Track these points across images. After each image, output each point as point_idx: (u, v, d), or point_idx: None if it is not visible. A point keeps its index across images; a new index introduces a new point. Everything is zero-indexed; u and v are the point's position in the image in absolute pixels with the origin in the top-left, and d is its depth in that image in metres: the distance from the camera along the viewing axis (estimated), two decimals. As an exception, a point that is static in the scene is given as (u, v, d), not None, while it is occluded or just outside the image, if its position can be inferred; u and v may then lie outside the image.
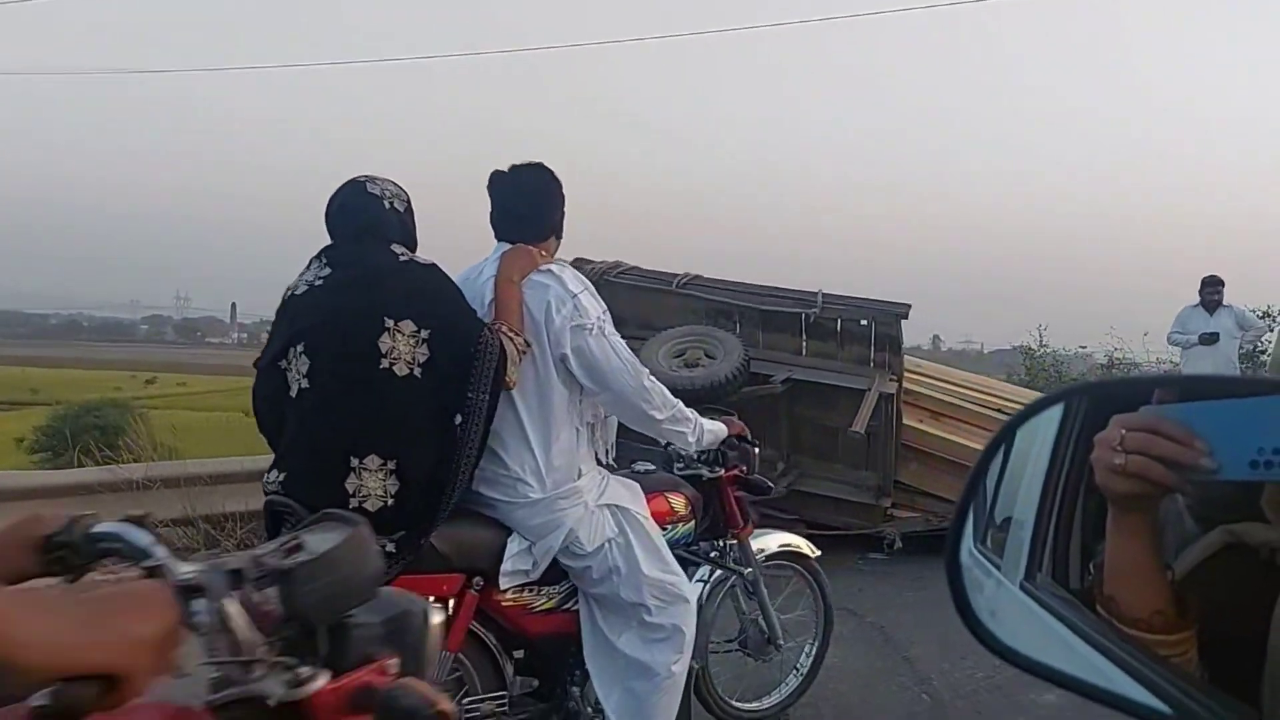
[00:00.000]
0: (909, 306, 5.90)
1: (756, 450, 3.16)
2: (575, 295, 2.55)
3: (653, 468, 3.05)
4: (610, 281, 6.47)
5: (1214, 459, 0.66)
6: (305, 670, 1.03)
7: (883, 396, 5.82)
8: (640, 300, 6.54)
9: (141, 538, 1.07)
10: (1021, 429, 0.90)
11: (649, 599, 2.63)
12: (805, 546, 3.48)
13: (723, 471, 3.07)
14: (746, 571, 3.21)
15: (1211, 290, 9.83)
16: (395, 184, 2.60)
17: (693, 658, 2.78)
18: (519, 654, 2.68)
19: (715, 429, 2.88)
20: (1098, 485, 0.74)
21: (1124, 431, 0.71)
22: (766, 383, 6.04)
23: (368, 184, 2.54)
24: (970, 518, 0.92)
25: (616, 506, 2.67)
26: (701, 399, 5.81)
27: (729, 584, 3.25)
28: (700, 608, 2.94)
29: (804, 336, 6.19)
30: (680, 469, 3.07)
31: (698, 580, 3.06)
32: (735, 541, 3.18)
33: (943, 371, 7.00)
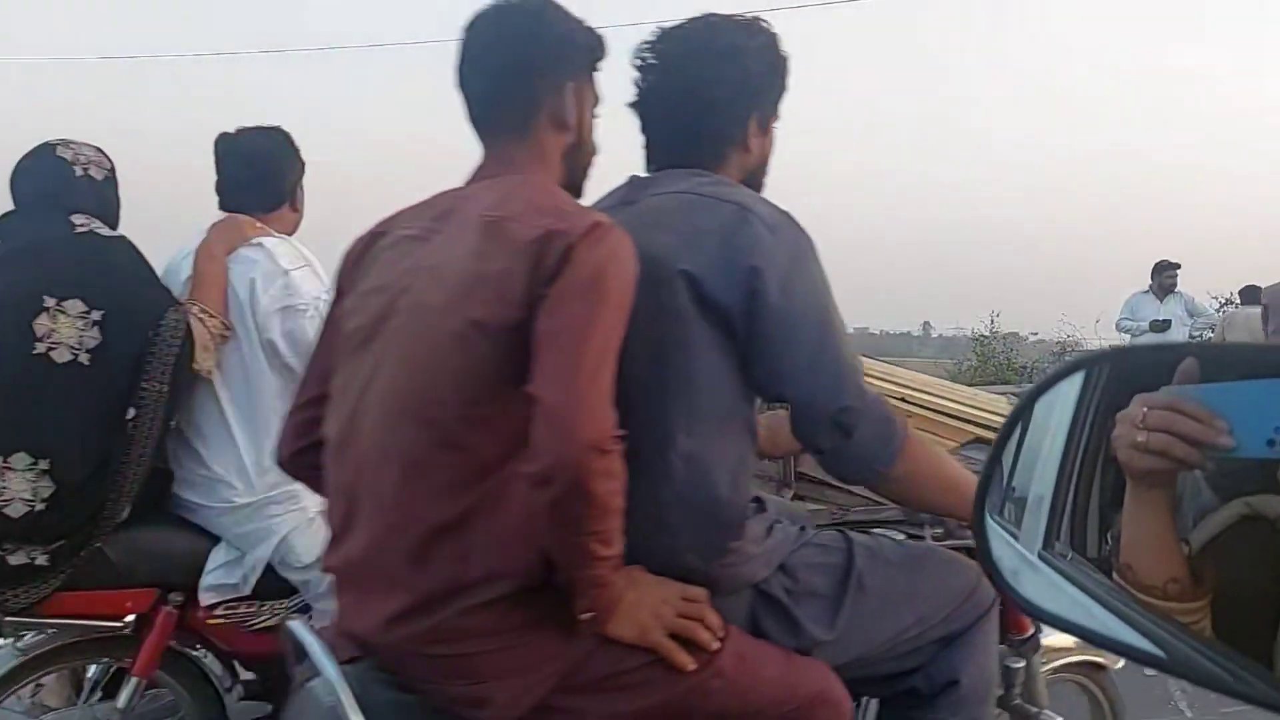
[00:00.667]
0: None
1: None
2: (287, 272, 2.26)
3: None
4: None
5: (1233, 437, 0.69)
6: None
7: None
8: None
9: None
10: (1040, 400, 0.93)
11: None
12: None
13: None
14: None
15: (1166, 275, 9.51)
16: (97, 149, 2.32)
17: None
18: (249, 676, 2.39)
19: None
20: (1119, 461, 0.76)
21: (1146, 409, 0.73)
22: None
23: (59, 147, 2.26)
24: (991, 485, 0.95)
25: None
26: None
27: None
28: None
29: None
30: None
31: None
32: None
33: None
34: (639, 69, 1.61)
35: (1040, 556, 0.93)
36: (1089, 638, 0.82)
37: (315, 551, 2.16)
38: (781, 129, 1.69)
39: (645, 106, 1.63)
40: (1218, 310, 12.26)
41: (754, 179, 1.65)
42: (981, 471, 0.95)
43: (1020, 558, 0.94)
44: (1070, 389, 0.91)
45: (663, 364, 1.43)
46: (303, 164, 2.50)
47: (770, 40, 1.64)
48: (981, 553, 0.91)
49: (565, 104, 1.49)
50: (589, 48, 1.53)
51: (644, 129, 1.64)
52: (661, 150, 1.64)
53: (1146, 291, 9.63)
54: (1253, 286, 9.13)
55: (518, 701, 1.32)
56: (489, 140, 1.51)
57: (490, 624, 1.29)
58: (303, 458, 1.56)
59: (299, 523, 2.26)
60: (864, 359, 7.13)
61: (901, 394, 6.82)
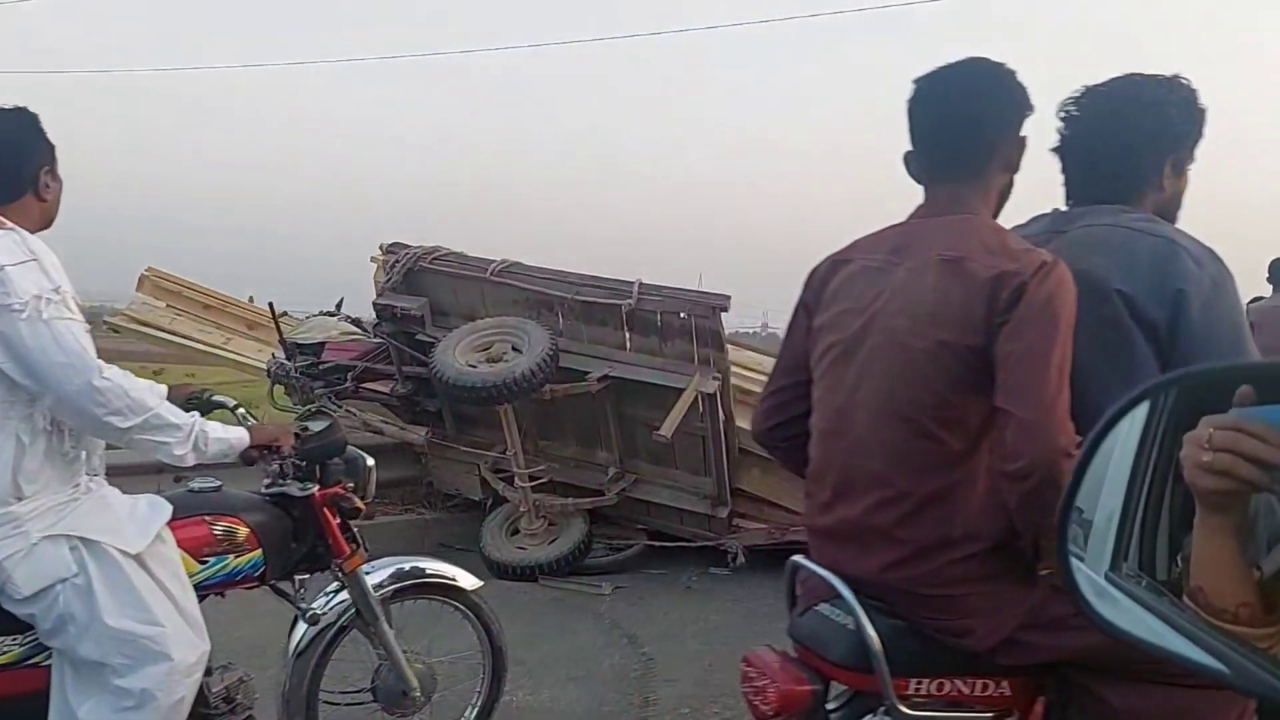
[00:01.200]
0: (728, 298, 5.38)
1: (370, 464, 2.80)
2: (3, 268, 2.03)
3: (215, 484, 2.56)
4: (426, 269, 5.98)
5: None
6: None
7: (703, 396, 5.31)
8: (461, 290, 6.05)
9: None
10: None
11: (114, 657, 2.12)
12: (460, 576, 3.03)
13: (315, 489, 2.62)
14: (351, 610, 2.76)
15: None
16: None
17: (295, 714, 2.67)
18: None
19: (228, 438, 2.32)
20: (1186, 481, 0.79)
21: (1212, 430, 0.76)
22: (583, 380, 5.51)
23: None
24: (1073, 506, 0.99)
25: (78, 538, 2.13)
26: (495, 397, 5.24)
27: (337, 625, 2.77)
28: (300, 654, 2.72)
29: (626, 330, 5.58)
30: (267, 485, 2.63)
31: (305, 621, 2.72)
32: (345, 574, 2.72)
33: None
34: (1064, 119, 1.90)
35: (1107, 578, 0.97)
36: (1161, 656, 0.85)
37: (38, 582, 2.06)
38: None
39: (1068, 151, 1.93)
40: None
41: (1167, 212, 1.90)
42: (1064, 495, 1.00)
43: (1087, 579, 0.98)
44: (1137, 413, 0.96)
45: (1109, 362, 1.70)
46: (50, 147, 2.29)
47: (1190, 94, 1.87)
48: (1063, 575, 0.98)
49: (1017, 150, 1.80)
50: (1029, 101, 1.78)
51: (1065, 170, 1.95)
52: (1081, 188, 1.93)
53: None
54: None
55: (992, 635, 1.67)
56: (939, 180, 1.81)
57: (970, 573, 1.66)
58: (774, 433, 2.00)
59: (17, 549, 2.06)
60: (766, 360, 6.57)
61: None
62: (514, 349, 5.40)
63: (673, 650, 4.40)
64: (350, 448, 2.76)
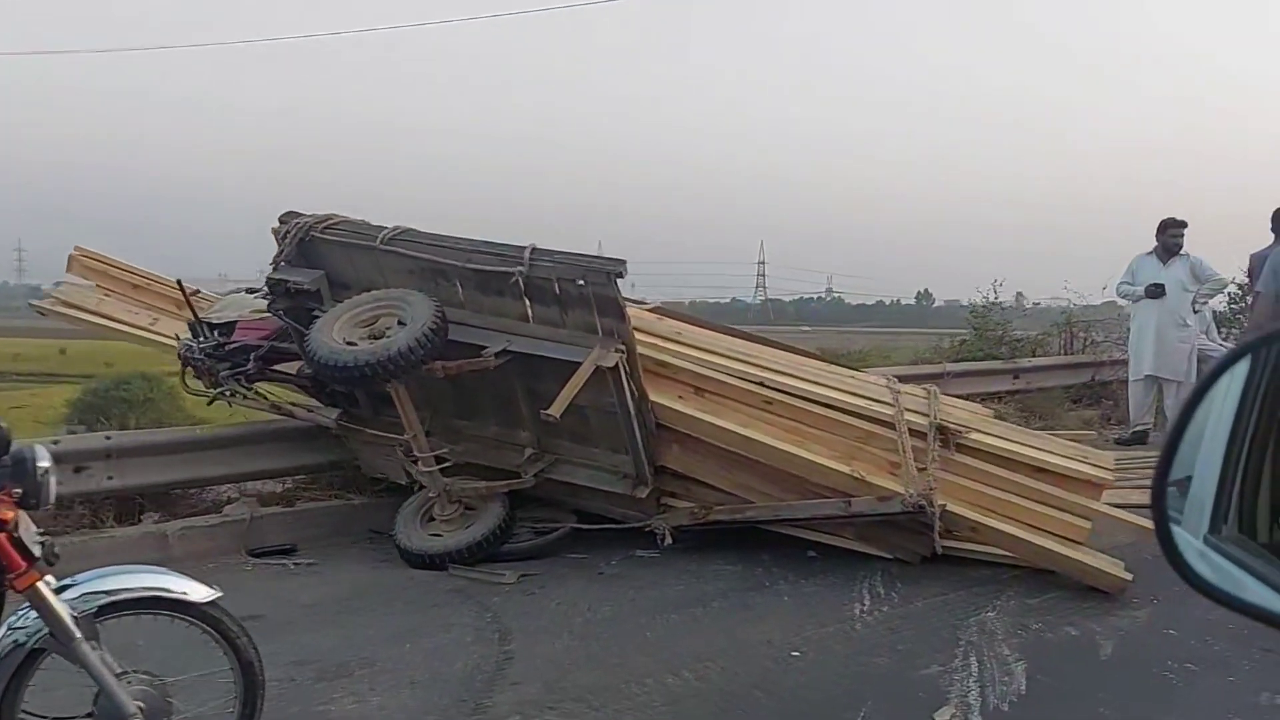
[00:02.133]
0: (623, 263, 4.88)
1: (46, 464, 2.44)
2: None
3: None
4: (320, 239, 5.56)
5: None
6: None
7: (603, 370, 4.85)
8: (358, 261, 5.60)
9: None
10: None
11: None
12: (191, 590, 2.71)
13: None
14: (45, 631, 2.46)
15: (1170, 234, 8.73)
16: None
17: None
18: None
19: None
20: None
21: None
22: (479, 355, 5.06)
23: None
24: (1171, 467, 0.98)
25: None
26: (370, 377, 4.87)
27: (27, 648, 2.49)
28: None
29: (527, 300, 5.10)
30: None
31: None
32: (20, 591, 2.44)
33: (708, 338, 5.73)
34: None
35: (1206, 540, 0.96)
36: (1268, 620, 0.87)
37: None
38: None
39: None
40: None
41: None
42: (1160, 457, 0.98)
43: (1186, 543, 0.97)
44: (1237, 369, 0.94)
45: None
46: None
47: None
48: (1161, 538, 0.97)
49: None
50: None
51: None
52: None
53: (1150, 253, 8.83)
54: None
55: None
56: None
57: None
58: None
59: None
60: (724, 336, 6.21)
61: (760, 377, 6.34)
62: (400, 323, 4.98)
63: (539, 648, 4.02)
64: (23, 446, 2.42)
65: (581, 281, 4.88)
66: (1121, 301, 9.78)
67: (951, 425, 4.97)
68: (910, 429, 4.93)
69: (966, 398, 9.71)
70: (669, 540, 5.29)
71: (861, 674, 3.72)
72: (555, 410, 4.67)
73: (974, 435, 4.96)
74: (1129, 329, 9.33)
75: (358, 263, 5.54)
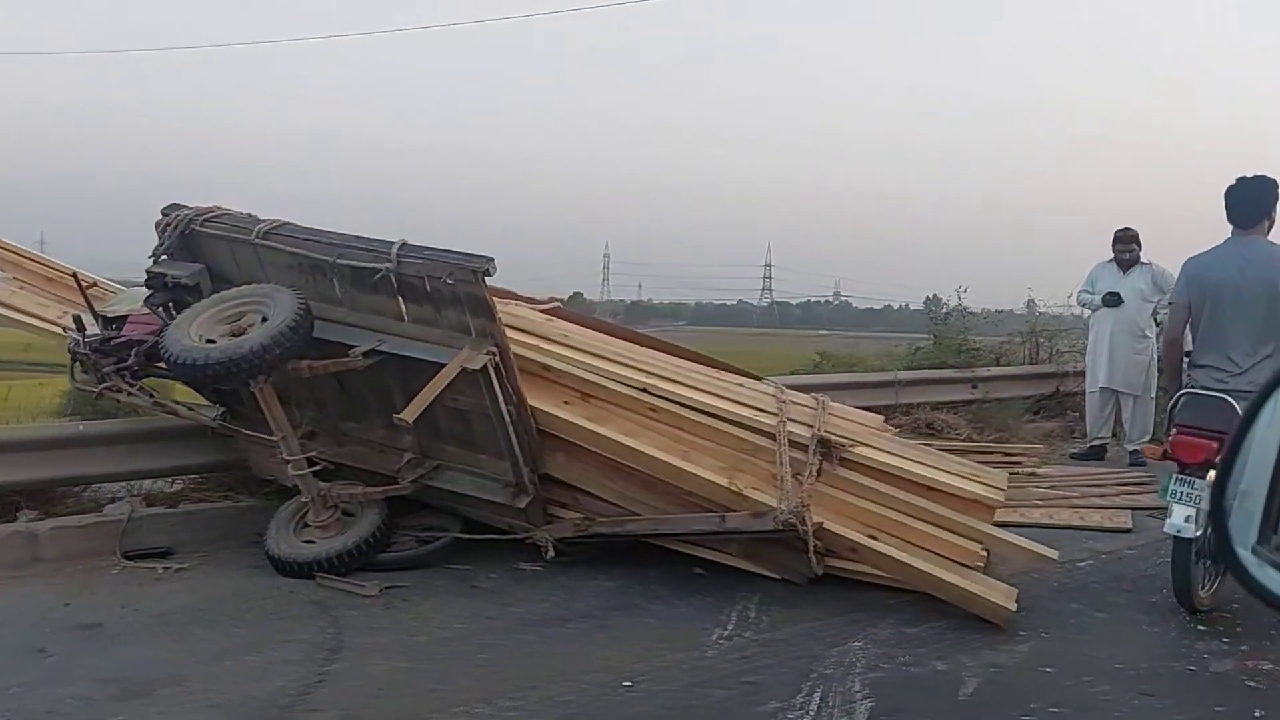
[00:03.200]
0: (490, 260, 4.63)
1: None
2: None
3: None
4: (200, 232, 5.38)
5: None
6: None
7: (471, 372, 4.63)
8: (240, 255, 5.39)
9: None
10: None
11: None
12: None
13: None
14: None
15: (1123, 247, 8.46)
16: None
17: None
18: None
19: None
20: None
21: None
22: (347, 354, 4.86)
23: None
24: (1230, 478, 1.05)
25: None
26: (223, 376, 4.66)
27: None
28: None
29: (401, 299, 4.87)
30: None
31: None
32: None
33: (597, 341, 5.47)
34: None
35: (1254, 551, 1.00)
36: None
37: None
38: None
39: None
40: None
41: None
42: (1219, 468, 1.06)
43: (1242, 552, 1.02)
44: None
45: None
46: None
47: None
48: (1220, 545, 1.05)
49: None
50: None
51: None
52: None
53: (1109, 262, 8.58)
54: None
55: None
56: None
57: None
58: None
59: None
60: (618, 340, 6.00)
61: (644, 383, 6.08)
62: (265, 320, 4.77)
63: (362, 669, 3.78)
64: None
65: (450, 280, 4.64)
66: (1080, 310, 9.52)
67: (836, 438, 4.71)
68: (792, 441, 4.68)
69: (918, 406, 9.54)
70: (551, 553, 5.06)
71: (688, 708, 3.46)
72: (408, 415, 4.46)
73: (860, 450, 4.69)
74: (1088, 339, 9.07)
75: (240, 257, 5.32)
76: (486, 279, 4.60)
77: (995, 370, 10.27)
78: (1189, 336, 4.83)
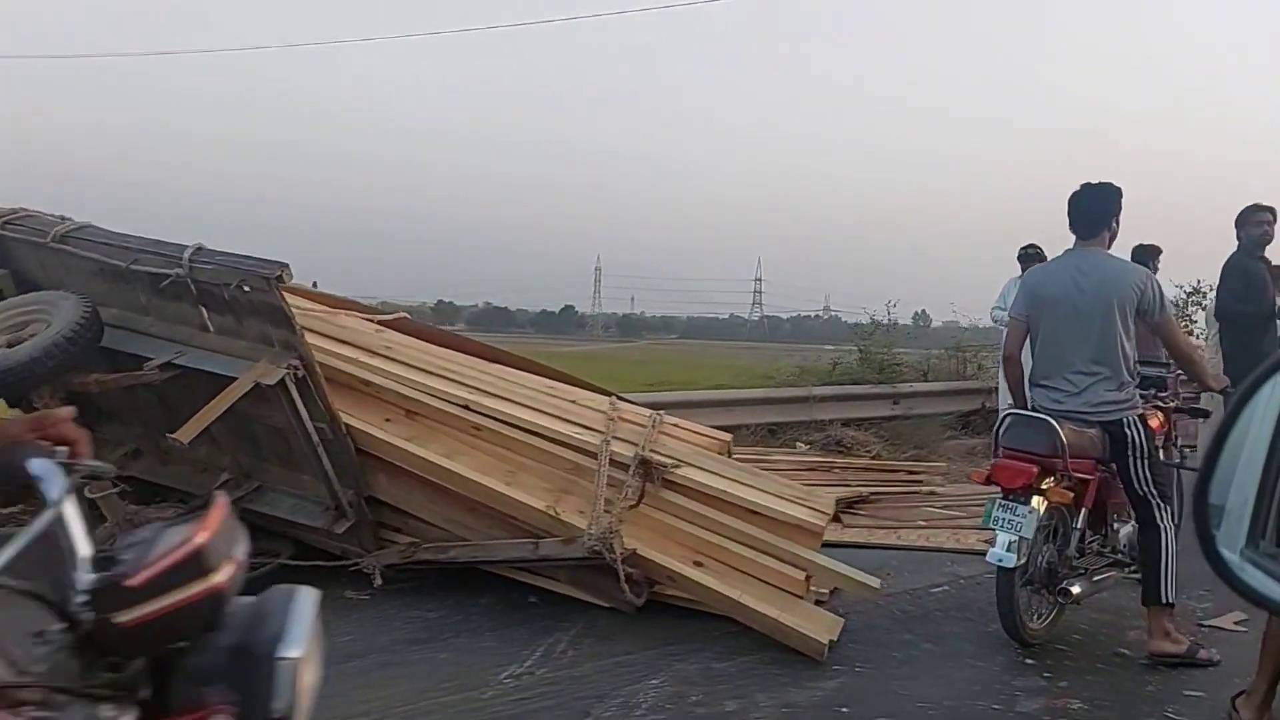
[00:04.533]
0: (285, 266, 4.33)
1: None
2: None
3: None
4: (2, 235, 5.13)
5: None
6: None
7: (270, 387, 4.35)
8: (45, 260, 5.11)
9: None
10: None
11: None
12: None
13: None
14: None
15: (1028, 262, 8.28)
16: None
17: None
18: None
19: None
20: None
21: None
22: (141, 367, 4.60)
23: None
24: (1211, 481, 1.01)
25: None
26: None
27: None
28: None
29: (203, 308, 4.63)
30: None
31: None
32: None
33: (423, 354, 5.19)
34: None
35: (1243, 554, 0.97)
36: None
37: None
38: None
39: None
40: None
41: None
42: (1200, 470, 1.03)
43: (1228, 554, 0.99)
44: (1274, 387, 0.98)
45: None
46: None
47: None
48: (1204, 548, 1.00)
49: None
50: None
51: None
52: None
53: (1019, 278, 8.39)
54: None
55: None
56: None
57: None
58: None
59: None
60: (443, 352, 5.50)
61: (467, 400, 5.80)
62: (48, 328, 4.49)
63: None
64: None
65: (247, 288, 4.37)
66: (999, 326, 9.30)
67: (659, 459, 4.43)
68: (615, 461, 4.41)
69: (830, 423, 9.29)
70: (378, 580, 4.78)
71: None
72: (183, 435, 4.15)
73: (685, 471, 4.42)
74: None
75: (46, 263, 5.05)
76: (282, 285, 4.32)
77: (918, 386, 10.04)
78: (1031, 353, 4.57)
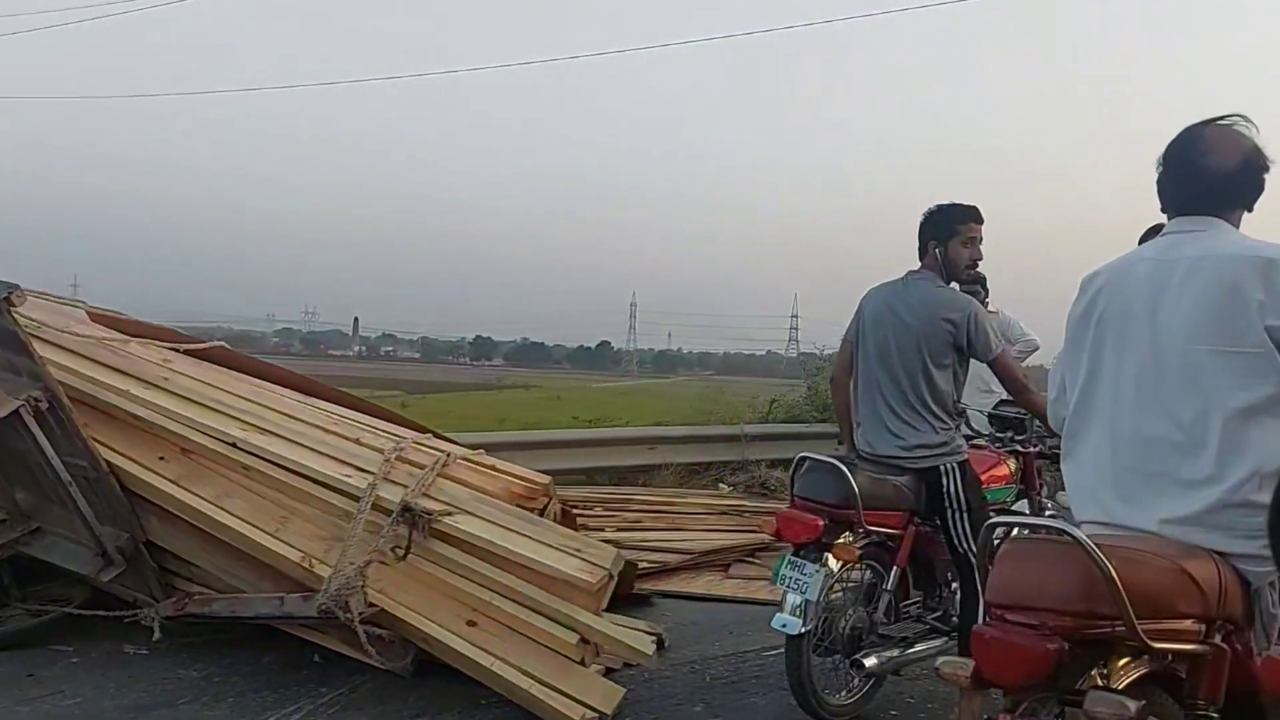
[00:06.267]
0: (16, 287, 3.98)
1: None
2: None
3: None
4: None
5: None
6: None
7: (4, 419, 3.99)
8: None
9: None
10: None
11: None
12: None
13: None
14: None
15: (968, 292, 7.67)
16: None
17: None
18: None
19: None
20: None
21: None
22: None
23: None
24: None
25: None
26: None
27: None
28: None
29: None
30: None
31: None
32: None
33: (212, 387, 4.75)
34: None
35: None
36: None
37: None
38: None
39: None
40: None
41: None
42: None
43: None
44: None
45: None
46: None
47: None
48: None
49: None
50: None
51: None
52: None
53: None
54: None
55: None
56: None
57: None
58: None
59: None
60: (188, 379, 4.61)
61: (235, 437, 5.20)
62: None
63: None
64: None
65: None
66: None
67: (428, 505, 3.97)
68: (380, 506, 3.97)
69: (755, 463, 8.76)
70: (157, 634, 4.36)
71: None
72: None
73: (457, 520, 3.95)
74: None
75: None
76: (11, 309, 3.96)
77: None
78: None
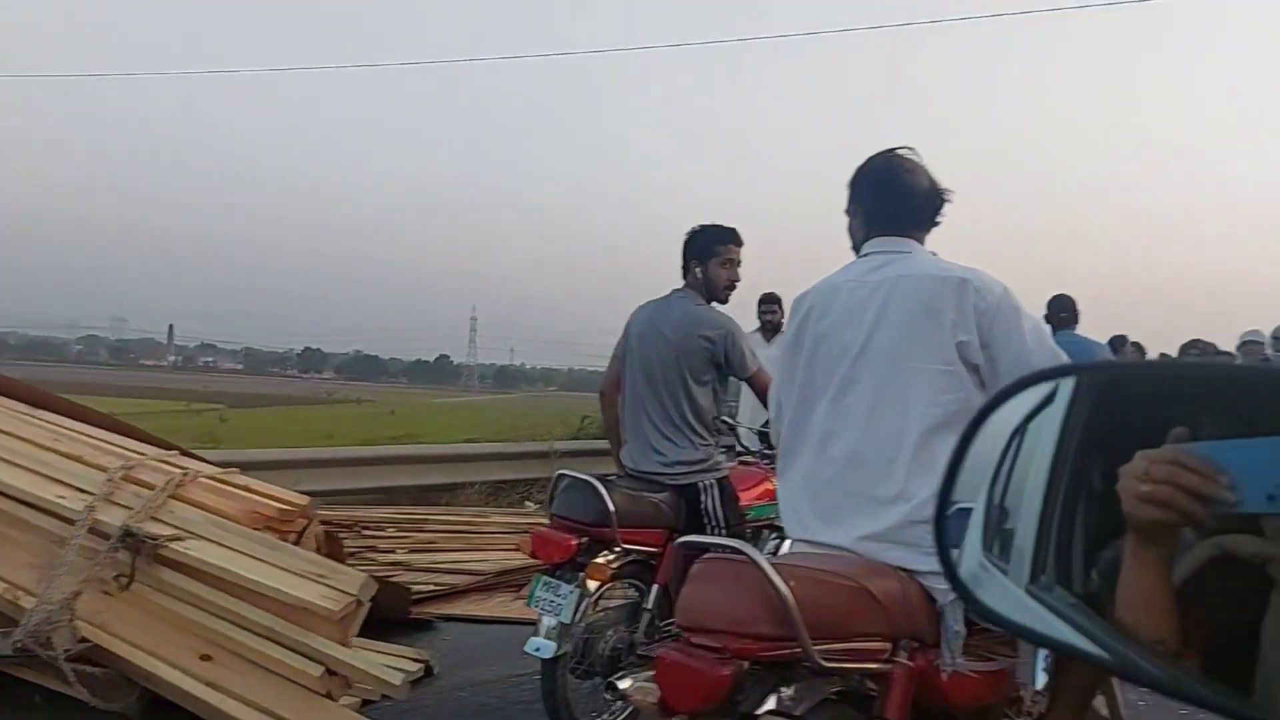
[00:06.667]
0: None
1: None
2: None
3: None
4: None
5: (1235, 492, 0.70)
6: None
7: None
8: None
9: None
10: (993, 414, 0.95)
11: None
12: None
13: None
14: None
15: (763, 310, 7.78)
16: None
17: None
18: None
19: None
20: (1124, 513, 0.76)
21: (1149, 463, 0.74)
22: None
23: None
24: (950, 499, 0.97)
25: None
26: None
27: None
28: None
29: None
30: None
31: None
32: None
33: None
34: None
35: (1028, 590, 0.92)
36: (1089, 660, 0.84)
37: None
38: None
39: None
40: None
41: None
42: (940, 488, 0.98)
43: (1008, 594, 0.92)
44: (1055, 413, 0.90)
45: None
46: None
47: None
48: (945, 566, 0.96)
49: None
50: None
51: None
52: None
53: (756, 330, 7.85)
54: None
55: None
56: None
57: None
58: None
59: None
60: None
61: None
62: None
63: None
64: None
65: None
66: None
67: (152, 531, 3.63)
68: (99, 530, 3.61)
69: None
70: None
71: None
72: None
73: (187, 544, 3.62)
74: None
75: None
76: None
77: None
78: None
